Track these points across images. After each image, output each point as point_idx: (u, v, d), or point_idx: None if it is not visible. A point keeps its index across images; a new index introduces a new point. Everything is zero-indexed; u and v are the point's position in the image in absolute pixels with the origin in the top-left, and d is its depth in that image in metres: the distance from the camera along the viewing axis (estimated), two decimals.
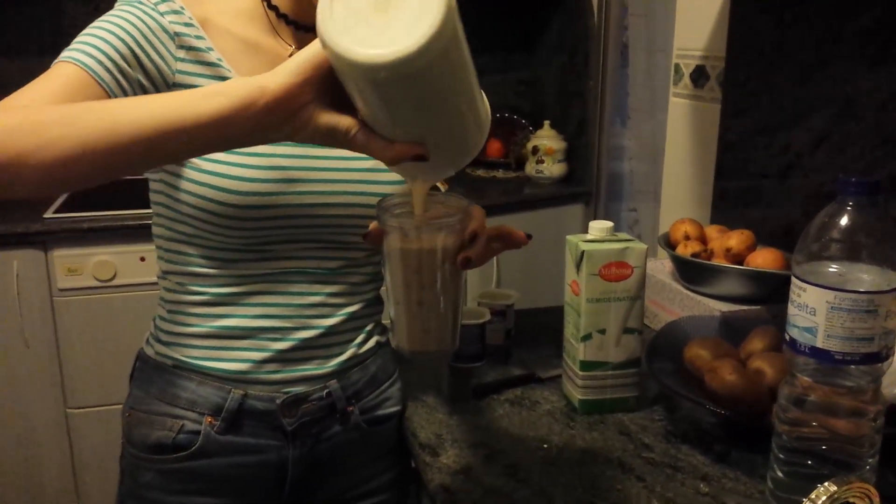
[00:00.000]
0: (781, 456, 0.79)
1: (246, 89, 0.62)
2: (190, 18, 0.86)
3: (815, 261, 0.75)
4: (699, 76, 1.71)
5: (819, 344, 0.74)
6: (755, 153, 1.52)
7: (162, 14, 0.84)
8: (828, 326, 0.73)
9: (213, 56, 0.86)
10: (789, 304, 0.77)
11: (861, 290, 0.72)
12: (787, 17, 1.41)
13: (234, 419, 0.92)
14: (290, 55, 0.90)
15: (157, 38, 0.83)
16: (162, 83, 0.84)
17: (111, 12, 0.84)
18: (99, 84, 0.77)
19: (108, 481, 2.05)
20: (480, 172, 2.61)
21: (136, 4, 0.84)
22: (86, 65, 0.77)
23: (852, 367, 0.74)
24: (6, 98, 0.72)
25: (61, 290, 1.96)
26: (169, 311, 0.95)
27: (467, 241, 0.76)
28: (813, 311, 0.74)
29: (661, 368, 1.02)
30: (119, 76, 0.79)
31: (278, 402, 0.93)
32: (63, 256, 1.94)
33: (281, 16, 0.91)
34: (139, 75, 0.81)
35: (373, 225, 0.77)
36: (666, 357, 1.05)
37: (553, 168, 2.50)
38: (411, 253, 0.74)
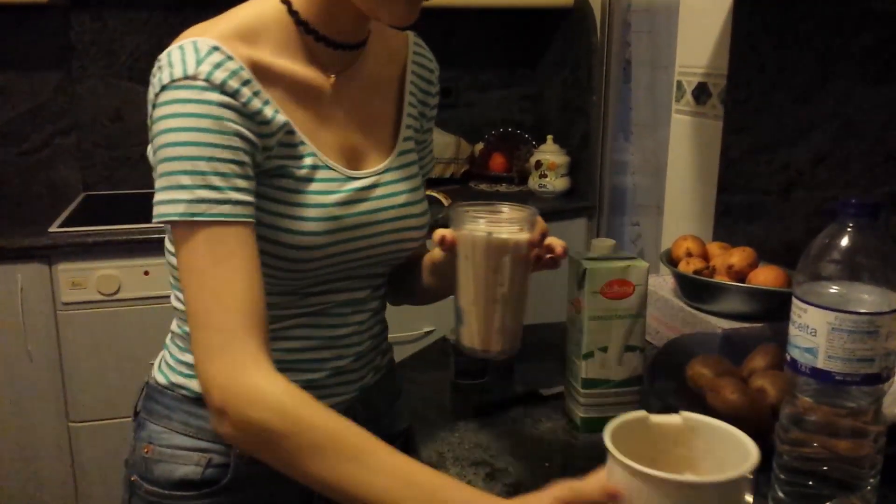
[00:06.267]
0: (783, 476, 0.79)
1: None
2: (241, 68, 0.80)
3: (816, 281, 0.75)
4: (701, 93, 1.72)
5: (820, 365, 0.74)
6: (757, 170, 1.52)
7: (231, 95, 0.78)
8: (828, 347, 0.73)
9: (269, 112, 0.82)
10: (790, 325, 0.78)
11: (862, 311, 0.72)
12: (789, 36, 1.42)
13: None
14: (332, 85, 0.89)
15: (248, 130, 0.79)
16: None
17: (196, 124, 0.75)
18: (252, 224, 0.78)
19: (110, 495, 2.05)
20: (483, 187, 2.62)
21: (206, 103, 0.76)
22: (246, 216, 0.77)
23: (853, 387, 0.74)
24: (206, 315, 0.74)
25: (65, 303, 1.96)
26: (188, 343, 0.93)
27: (537, 239, 0.82)
28: (814, 331, 0.74)
29: (663, 386, 1.02)
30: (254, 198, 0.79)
31: None
32: (67, 270, 1.95)
33: (310, 32, 0.86)
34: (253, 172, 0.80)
35: (445, 232, 0.81)
36: (668, 375, 1.05)
37: (556, 182, 2.50)
38: (492, 251, 0.80)
